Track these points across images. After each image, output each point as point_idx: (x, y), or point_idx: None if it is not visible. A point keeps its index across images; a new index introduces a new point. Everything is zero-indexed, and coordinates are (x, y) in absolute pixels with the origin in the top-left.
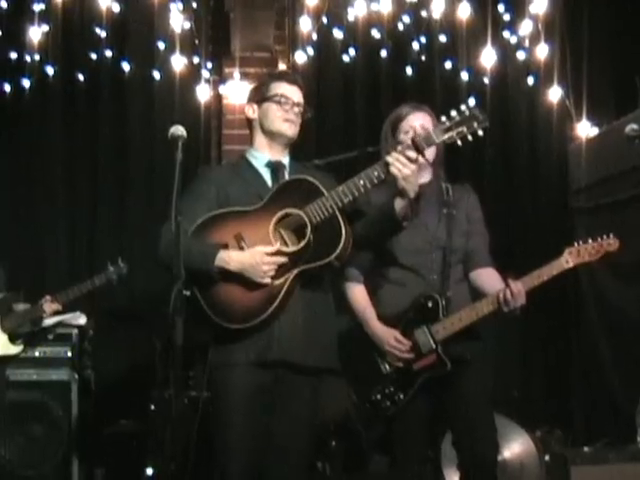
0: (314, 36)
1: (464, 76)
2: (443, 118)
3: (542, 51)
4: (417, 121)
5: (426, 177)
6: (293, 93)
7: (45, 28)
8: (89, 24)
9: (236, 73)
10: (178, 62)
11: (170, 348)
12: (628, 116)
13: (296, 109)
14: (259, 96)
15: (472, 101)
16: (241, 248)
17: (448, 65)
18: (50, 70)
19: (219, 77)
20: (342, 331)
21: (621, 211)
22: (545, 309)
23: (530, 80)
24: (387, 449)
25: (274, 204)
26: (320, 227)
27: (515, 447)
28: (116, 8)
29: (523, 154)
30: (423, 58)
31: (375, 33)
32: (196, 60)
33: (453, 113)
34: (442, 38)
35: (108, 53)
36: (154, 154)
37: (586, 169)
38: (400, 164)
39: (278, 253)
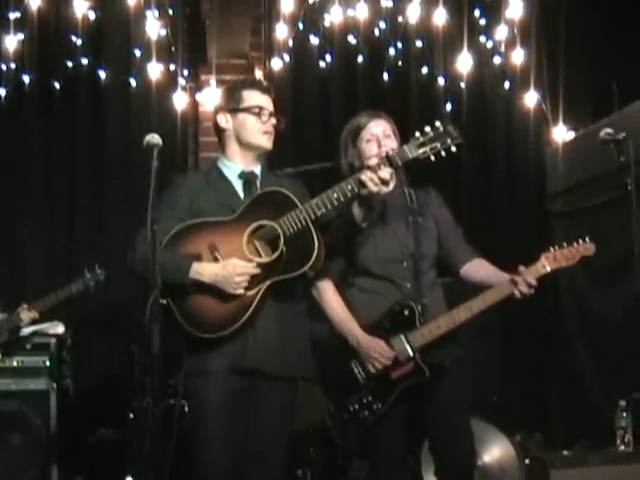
0: (290, 42)
1: (441, 81)
2: (417, 134)
3: (518, 56)
4: (377, 128)
5: (390, 184)
6: (267, 103)
7: (20, 36)
8: (65, 32)
9: (212, 80)
10: (154, 69)
11: (147, 356)
12: (604, 120)
13: (272, 120)
14: (232, 105)
15: (448, 107)
16: (215, 259)
17: (425, 70)
18: (26, 78)
19: (195, 84)
20: (317, 340)
21: (598, 214)
22: (523, 312)
23: (506, 85)
24: (367, 456)
25: (248, 215)
26: (293, 239)
27: (495, 451)
28: (92, 15)
29: (500, 158)
30: (400, 64)
31: (351, 39)
32: (172, 67)
33: (427, 129)
34: (418, 44)
35: (84, 61)
36: (131, 161)
37: (563, 173)
38: (373, 183)
39: (251, 264)
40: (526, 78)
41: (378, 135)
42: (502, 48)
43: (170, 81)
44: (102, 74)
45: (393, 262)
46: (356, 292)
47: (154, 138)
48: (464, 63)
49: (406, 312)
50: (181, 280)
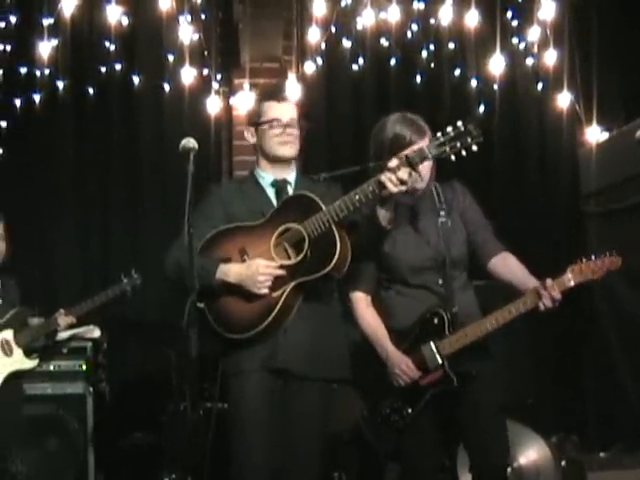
0: (323, 46)
1: (473, 83)
2: (438, 134)
3: (551, 57)
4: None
5: (421, 184)
6: (283, 112)
7: (54, 42)
8: (98, 38)
9: (246, 84)
10: (188, 74)
11: (185, 360)
12: (637, 120)
13: (289, 129)
14: (254, 120)
15: (481, 109)
16: (244, 261)
17: (457, 73)
18: (60, 84)
19: (229, 88)
20: (354, 343)
21: (632, 215)
22: (557, 314)
23: (539, 86)
24: (399, 459)
25: (276, 219)
26: (317, 241)
27: (531, 453)
28: (125, 21)
29: (533, 159)
30: (432, 66)
31: (384, 42)
32: (205, 72)
33: (449, 129)
34: (451, 46)
35: (117, 66)
36: (165, 166)
37: (597, 174)
38: (392, 184)
39: (274, 264)
40: (559, 79)
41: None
42: (534, 49)
43: (203, 85)
44: (135, 79)
45: (426, 270)
46: (394, 295)
47: (190, 142)
48: (496, 65)
49: (436, 320)
50: (208, 282)
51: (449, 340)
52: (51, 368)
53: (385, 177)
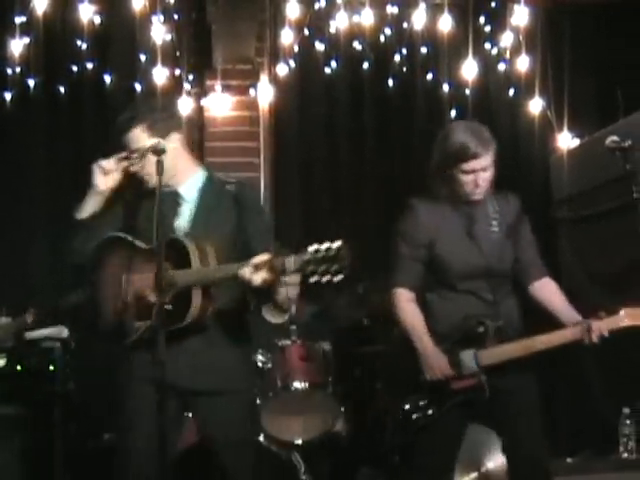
0: (296, 48)
1: (446, 88)
2: (310, 248)
3: (523, 63)
4: (485, 161)
5: (479, 194)
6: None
7: (26, 40)
8: (70, 36)
9: (218, 86)
10: (160, 74)
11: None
12: (609, 127)
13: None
14: None
15: (453, 114)
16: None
17: (430, 77)
18: (31, 82)
19: (201, 89)
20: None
21: (603, 222)
22: (529, 318)
23: (511, 92)
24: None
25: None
26: (181, 294)
27: (499, 458)
28: (97, 20)
29: (505, 165)
30: (405, 70)
31: (357, 45)
32: (178, 72)
33: (322, 247)
34: (424, 50)
35: (89, 65)
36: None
37: (568, 180)
38: (246, 280)
39: (143, 298)
40: (531, 85)
41: (480, 169)
42: (507, 55)
43: (175, 86)
44: (107, 79)
45: (475, 277)
46: (437, 299)
47: (160, 144)
48: (469, 70)
49: (481, 329)
50: None
51: (490, 352)
52: (19, 368)
53: (243, 272)
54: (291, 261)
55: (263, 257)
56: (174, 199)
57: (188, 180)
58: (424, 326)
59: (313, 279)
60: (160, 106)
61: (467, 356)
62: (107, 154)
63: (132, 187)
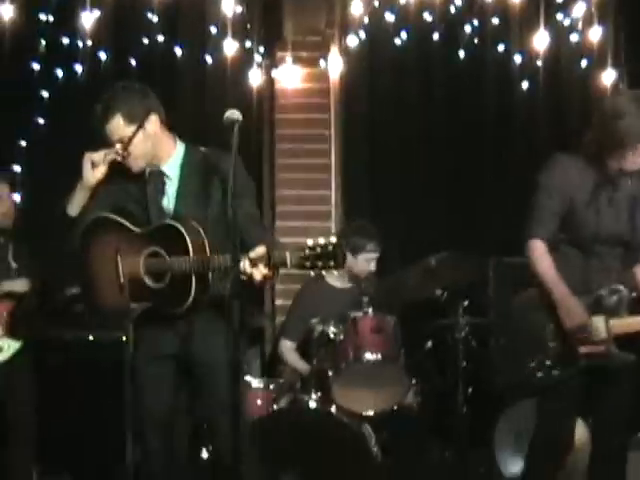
0: (365, 20)
1: (517, 59)
2: (308, 243)
3: (596, 33)
4: None
5: (633, 166)
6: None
7: (97, 13)
8: (141, 9)
9: (288, 57)
10: (230, 47)
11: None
12: None
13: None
14: None
15: (525, 86)
16: (116, 263)
17: (501, 48)
18: (103, 55)
19: (271, 61)
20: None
21: None
22: None
23: (584, 63)
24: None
25: (153, 236)
26: (178, 279)
27: None
28: None
29: (577, 137)
30: (475, 41)
31: (427, 16)
32: (248, 44)
33: (320, 241)
34: (494, 21)
35: (160, 38)
36: (206, 138)
37: None
38: (246, 275)
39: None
40: (604, 56)
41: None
42: (579, 25)
43: (246, 58)
44: (178, 51)
45: (606, 244)
46: (565, 258)
47: (234, 114)
48: (541, 41)
49: (615, 297)
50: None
51: (622, 321)
52: None
53: (244, 266)
54: (289, 256)
55: (260, 250)
56: (159, 178)
57: (170, 158)
58: (558, 275)
59: (311, 270)
60: (134, 89)
61: (599, 322)
62: (176, 125)
63: (116, 172)
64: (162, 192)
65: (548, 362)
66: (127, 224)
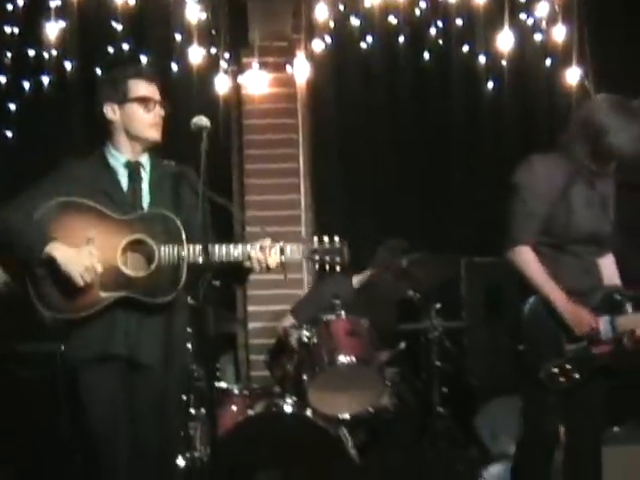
0: (331, 24)
1: (482, 60)
2: (316, 238)
3: (560, 32)
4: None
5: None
6: (154, 92)
7: (62, 24)
8: (105, 18)
9: (254, 63)
10: (196, 53)
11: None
12: None
13: (160, 110)
14: (119, 96)
15: (490, 86)
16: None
17: (466, 49)
18: (68, 65)
19: (237, 67)
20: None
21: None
22: None
23: (548, 62)
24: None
25: (134, 225)
26: (165, 269)
27: None
28: (132, 1)
29: (542, 136)
30: (440, 43)
31: (392, 19)
32: (214, 51)
33: (326, 239)
34: (459, 22)
35: (125, 46)
36: (173, 146)
37: None
38: (258, 264)
39: (112, 268)
40: (568, 55)
41: None
42: (543, 25)
43: (212, 65)
44: (144, 59)
45: (583, 243)
46: (560, 257)
47: (202, 120)
48: (505, 41)
49: (617, 296)
50: (34, 254)
51: (627, 319)
52: None
53: (255, 254)
54: (299, 250)
55: (267, 241)
56: (138, 169)
57: (142, 155)
58: (554, 284)
59: (318, 265)
60: None
61: (604, 322)
62: None
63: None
64: (139, 182)
65: (568, 366)
66: (102, 210)
